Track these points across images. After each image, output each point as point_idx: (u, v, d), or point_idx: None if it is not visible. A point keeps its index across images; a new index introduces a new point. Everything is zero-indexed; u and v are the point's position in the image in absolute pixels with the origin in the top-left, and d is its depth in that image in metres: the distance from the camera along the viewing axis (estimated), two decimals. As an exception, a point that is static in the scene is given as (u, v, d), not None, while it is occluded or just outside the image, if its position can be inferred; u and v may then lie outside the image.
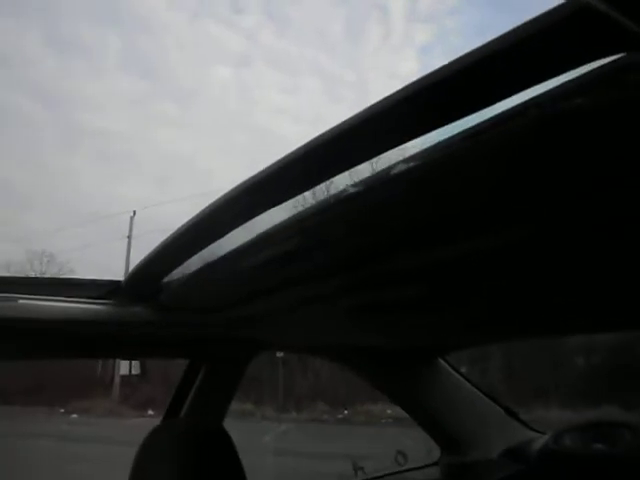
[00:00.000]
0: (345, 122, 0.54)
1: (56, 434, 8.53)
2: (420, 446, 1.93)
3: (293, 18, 26.13)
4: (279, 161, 0.62)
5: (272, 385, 10.52)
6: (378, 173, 0.58)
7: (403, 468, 1.81)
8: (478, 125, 0.50)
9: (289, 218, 0.74)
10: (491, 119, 0.48)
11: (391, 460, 1.84)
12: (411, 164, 0.55)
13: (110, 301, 1.09)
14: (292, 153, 0.60)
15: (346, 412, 10.13)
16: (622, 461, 1.50)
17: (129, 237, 15.85)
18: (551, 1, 0.38)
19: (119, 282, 1.10)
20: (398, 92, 0.48)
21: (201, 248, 0.88)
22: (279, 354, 9.76)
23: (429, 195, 0.60)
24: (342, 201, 0.64)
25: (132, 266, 1.05)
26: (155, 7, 24.79)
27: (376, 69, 24.38)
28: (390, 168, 0.56)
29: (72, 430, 9.37)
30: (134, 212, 16.11)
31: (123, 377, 12.07)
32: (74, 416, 10.95)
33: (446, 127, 0.51)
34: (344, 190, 0.62)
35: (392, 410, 8.89)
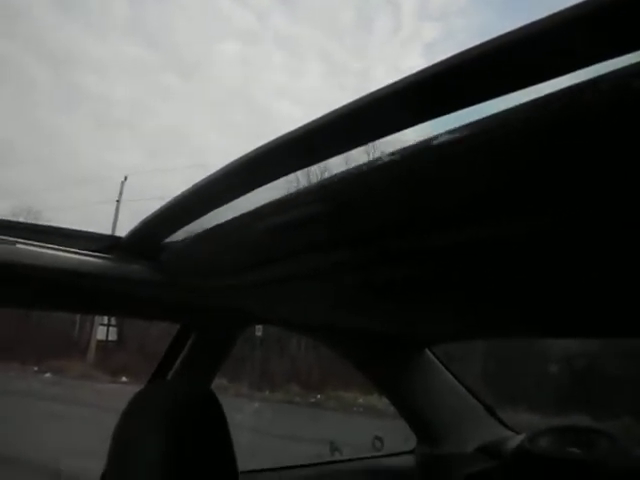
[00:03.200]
0: (359, 99, 0.54)
1: (29, 392, 8.50)
2: (391, 436, 1.95)
3: (305, 2, 25.84)
4: (287, 134, 0.62)
5: (248, 364, 10.57)
6: (410, 146, 0.57)
7: (379, 453, 1.83)
8: (505, 111, 0.49)
9: (301, 188, 0.74)
10: (526, 104, 0.47)
11: (364, 446, 1.87)
12: (444, 139, 0.54)
13: (109, 256, 1.08)
14: (301, 127, 0.60)
15: (319, 397, 10.21)
16: (595, 467, 1.52)
17: (118, 201, 15.68)
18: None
19: (119, 238, 1.08)
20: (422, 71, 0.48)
21: (206, 212, 0.87)
22: (258, 333, 9.82)
23: (456, 172, 0.59)
24: (364, 173, 0.63)
25: (117, 230, 1.03)
26: (166, -26, 24.32)
27: (382, 61, 24.23)
28: (424, 142, 0.55)
29: (45, 389, 9.34)
30: (125, 177, 15.91)
31: (99, 342, 12.08)
32: (47, 375, 10.91)
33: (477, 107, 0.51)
34: (374, 160, 0.61)
35: (363, 399, 8.99)
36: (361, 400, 9.16)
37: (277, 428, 7.03)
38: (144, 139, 23.45)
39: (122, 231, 1.12)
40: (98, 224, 15.29)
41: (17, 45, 22.88)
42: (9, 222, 1.04)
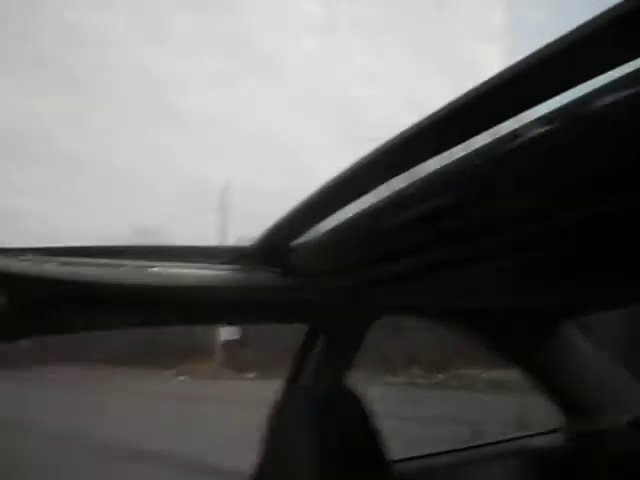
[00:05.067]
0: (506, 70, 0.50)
1: (171, 395, 9.22)
2: (521, 413, 1.87)
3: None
4: (414, 125, 0.60)
5: (365, 350, 10.66)
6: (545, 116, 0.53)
7: (523, 434, 1.76)
8: None
9: (428, 175, 0.72)
10: None
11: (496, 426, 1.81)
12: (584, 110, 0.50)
13: (237, 267, 1.11)
14: (432, 114, 0.58)
15: (440, 376, 10.07)
16: None
17: (222, 209, 16.30)
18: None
19: (246, 247, 1.12)
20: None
21: (333, 211, 0.87)
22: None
23: (601, 146, 0.54)
24: (499, 156, 0.60)
25: (222, 239, 1.05)
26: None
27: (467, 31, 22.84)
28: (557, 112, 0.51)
29: (185, 390, 10.09)
30: (227, 185, 16.46)
31: (225, 342, 12.76)
32: (181, 378, 11.76)
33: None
34: (506, 139, 0.58)
35: (487, 374, 8.72)
36: (484, 375, 8.90)
37: (403, 411, 7.03)
38: (242, 146, 24.31)
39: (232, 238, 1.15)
40: (210, 234, 15.95)
41: (116, 72, 24.63)
42: (141, 248, 1.12)
